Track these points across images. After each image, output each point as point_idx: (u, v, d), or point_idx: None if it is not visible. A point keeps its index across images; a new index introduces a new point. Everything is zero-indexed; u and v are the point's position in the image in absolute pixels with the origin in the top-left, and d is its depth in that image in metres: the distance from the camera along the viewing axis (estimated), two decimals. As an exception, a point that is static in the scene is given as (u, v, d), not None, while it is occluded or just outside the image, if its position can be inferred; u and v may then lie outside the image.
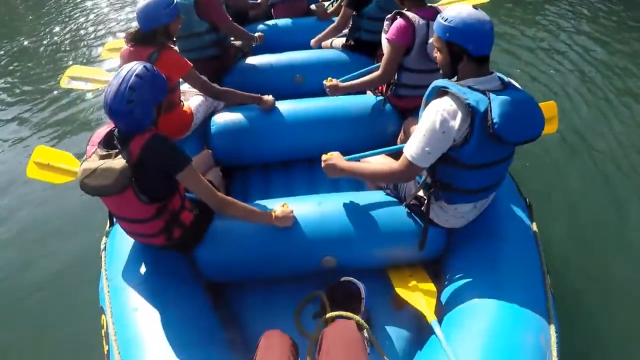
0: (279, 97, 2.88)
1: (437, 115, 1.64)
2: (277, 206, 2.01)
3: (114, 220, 2.13)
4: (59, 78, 3.68)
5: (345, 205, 2.07)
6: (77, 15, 8.15)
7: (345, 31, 3.62)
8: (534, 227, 2.00)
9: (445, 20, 1.67)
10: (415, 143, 1.71)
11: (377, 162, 2.18)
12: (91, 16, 8.05)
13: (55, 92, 5.36)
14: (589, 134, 3.98)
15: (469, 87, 1.65)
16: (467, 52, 1.66)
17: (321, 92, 2.95)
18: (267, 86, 3.01)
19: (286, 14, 4.40)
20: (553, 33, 6.12)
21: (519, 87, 1.74)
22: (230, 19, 3.32)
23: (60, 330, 2.57)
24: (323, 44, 3.79)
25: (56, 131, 4.65)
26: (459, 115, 1.62)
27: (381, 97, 2.87)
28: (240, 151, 2.75)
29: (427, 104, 1.78)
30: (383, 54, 2.96)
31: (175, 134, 2.64)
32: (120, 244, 2.02)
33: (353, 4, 3.31)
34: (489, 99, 1.59)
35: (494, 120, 1.55)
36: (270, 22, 4.20)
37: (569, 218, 3.09)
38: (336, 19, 3.62)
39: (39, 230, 3.35)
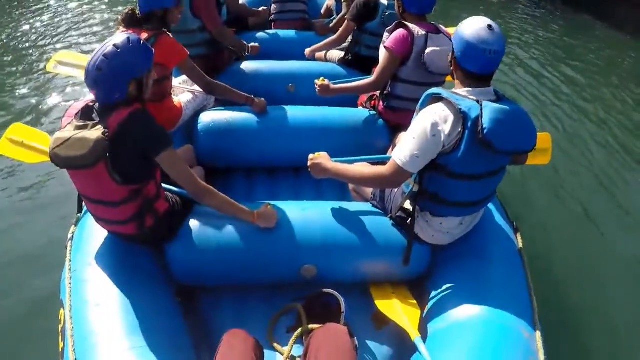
0: (270, 103, 2.80)
1: (428, 119, 1.63)
2: (261, 206, 1.91)
3: (84, 206, 2.00)
4: (46, 62, 3.53)
5: (329, 213, 1.99)
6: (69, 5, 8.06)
7: (344, 45, 3.59)
8: (520, 245, 1.97)
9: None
10: (405, 147, 1.68)
11: (365, 166, 2.10)
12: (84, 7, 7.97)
13: (40, 76, 5.21)
14: (576, 162, 4.18)
15: (463, 96, 1.65)
16: (457, 63, 1.69)
17: (312, 103, 2.90)
18: (259, 92, 2.93)
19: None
20: (545, 69, 6.35)
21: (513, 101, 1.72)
22: (222, 22, 3.25)
23: (14, 321, 2.39)
24: (317, 55, 3.74)
25: (37, 113, 4.49)
26: (451, 119, 1.61)
27: (373, 112, 2.83)
28: (224, 152, 2.64)
29: (420, 112, 1.75)
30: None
31: (165, 126, 2.53)
32: (88, 234, 1.89)
33: (357, 19, 3.28)
34: (481, 106, 1.57)
35: (484, 126, 1.53)
36: (270, 31, 4.17)
37: (554, 239, 3.19)
38: (333, 35, 3.60)
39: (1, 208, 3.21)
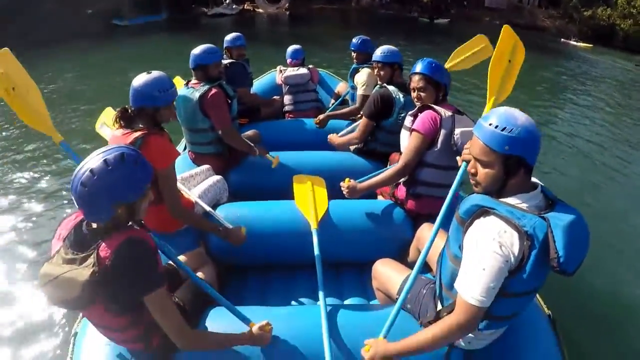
0: (284, 197, 2.72)
1: (495, 244, 1.40)
2: (257, 325, 1.75)
3: None
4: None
5: (353, 318, 1.88)
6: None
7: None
8: (560, 341, 1.89)
9: (503, 130, 1.41)
10: (477, 281, 1.43)
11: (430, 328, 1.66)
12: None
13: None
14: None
15: (519, 208, 1.44)
16: (526, 163, 1.44)
17: (329, 196, 2.79)
18: (274, 185, 2.86)
19: None
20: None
21: (564, 202, 1.49)
22: (231, 123, 3.15)
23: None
24: (337, 143, 3.66)
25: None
26: (516, 242, 1.39)
27: (392, 202, 2.72)
28: (239, 249, 2.45)
29: (463, 221, 1.54)
30: (396, 160, 2.84)
31: (169, 227, 2.40)
32: (93, 333, 1.74)
33: (374, 117, 3.23)
34: (549, 224, 1.37)
35: (560, 254, 1.33)
36: (284, 121, 4.21)
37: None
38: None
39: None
